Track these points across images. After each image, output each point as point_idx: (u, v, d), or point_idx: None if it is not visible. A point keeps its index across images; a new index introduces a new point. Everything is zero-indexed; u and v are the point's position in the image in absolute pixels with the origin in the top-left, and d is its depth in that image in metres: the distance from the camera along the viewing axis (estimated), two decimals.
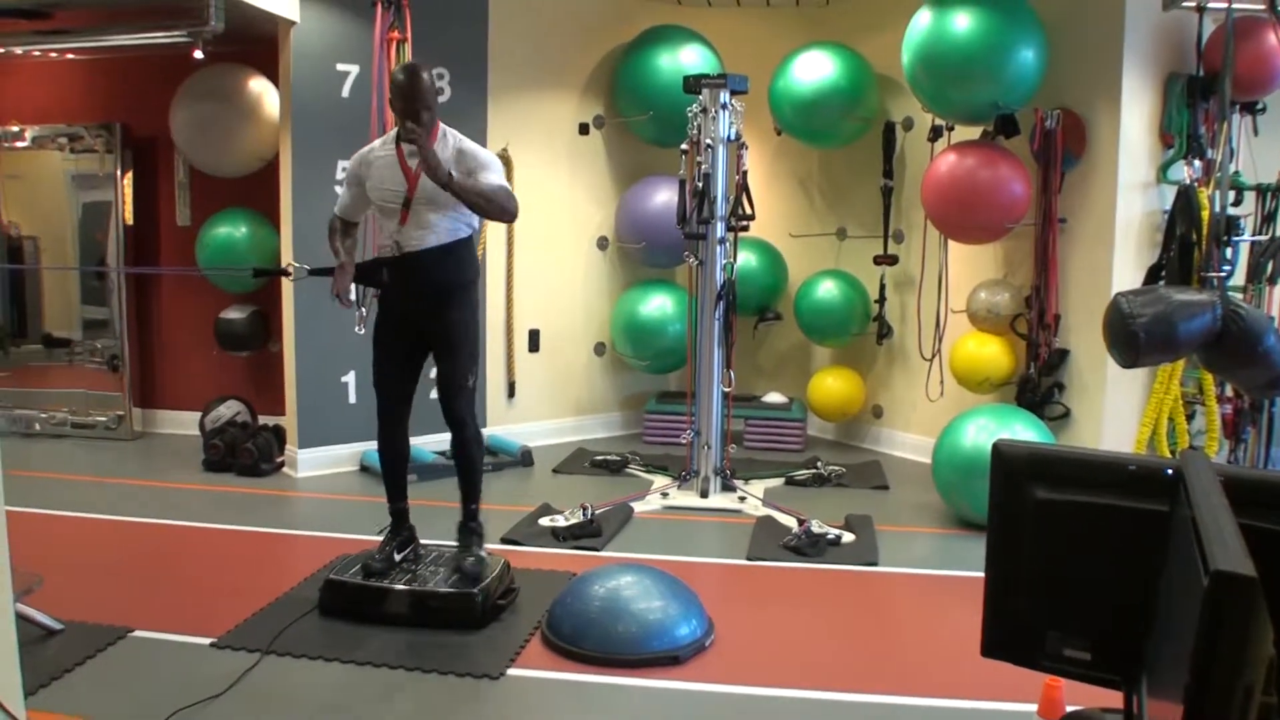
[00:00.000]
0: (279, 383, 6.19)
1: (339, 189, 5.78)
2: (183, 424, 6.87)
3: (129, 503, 5.35)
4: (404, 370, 4.06)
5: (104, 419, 6.86)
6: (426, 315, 3.95)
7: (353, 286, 4.09)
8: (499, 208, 3.82)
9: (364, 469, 6.04)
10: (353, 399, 6.01)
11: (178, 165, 6.78)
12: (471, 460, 4.07)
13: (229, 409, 6.50)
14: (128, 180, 6.76)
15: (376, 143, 4.06)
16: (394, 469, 4.12)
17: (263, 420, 6.49)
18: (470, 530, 4.08)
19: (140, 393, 6.98)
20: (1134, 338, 3.72)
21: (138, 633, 3.63)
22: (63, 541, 4.76)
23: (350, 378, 5.99)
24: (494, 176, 3.84)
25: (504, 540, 4.79)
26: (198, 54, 5.74)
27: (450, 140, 3.89)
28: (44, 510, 5.17)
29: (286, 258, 5.86)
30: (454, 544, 4.19)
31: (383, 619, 3.75)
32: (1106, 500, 1.93)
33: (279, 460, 6.09)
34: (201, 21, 5.50)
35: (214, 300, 6.68)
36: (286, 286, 5.88)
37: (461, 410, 3.98)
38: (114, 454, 6.48)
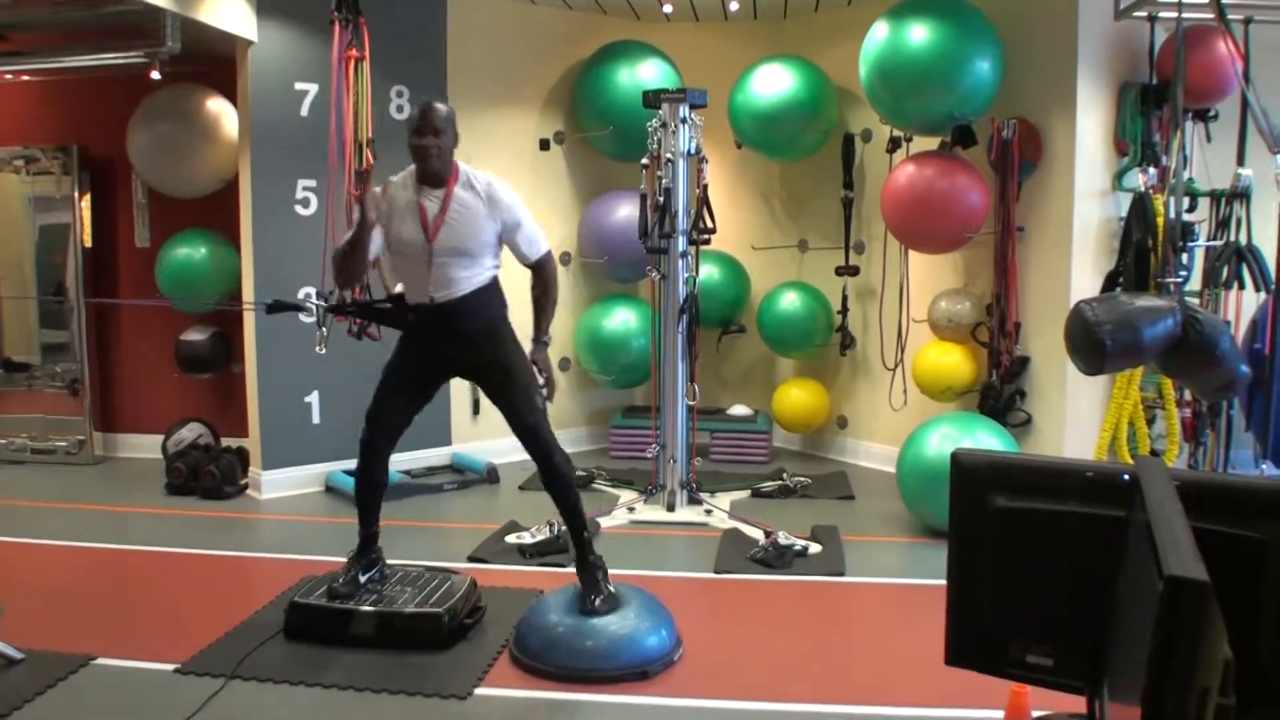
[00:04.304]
0: (241, 404, 6.14)
1: (299, 209, 5.81)
2: (144, 448, 6.79)
3: (90, 528, 5.28)
4: (410, 410, 3.93)
5: (64, 444, 6.76)
6: (472, 358, 3.84)
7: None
8: (556, 290, 3.88)
9: (329, 490, 5.99)
10: (316, 419, 5.97)
11: (136, 186, 6.72)
12: (570, 489, 3.85)
13: (191, 431, 6.44)
14: (86, 202, 6.69)
15: (396, 179, 3.77)
16: (370, 497, 3.99)
17: (225, 442, 6.43)
18: (592, 566, 3.81)
19: (101, 416, 6.90)
20: (1100, 345, 3.74)
21: (100, 660, 3.58)
22: (23, 569, 4.69)
23: (314, 398, 5.95)
24: (540, 242, 3.83)
25: (470, 559, 4.78)
26: (155, 74, 5.75)
27: (479, 185, 3.72)
28: (3, 537, 5.09)
29: (248, 278, 5.83)
30: (421, 563, 4.17)
31: (349, 641, 3.71)
32: (1065, 507, 1.94)
33: (242, 483, 6.04)
34: (158, 42, 5.50)
35: (175, 322, 6.60)
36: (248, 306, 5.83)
37: (545, 438, 3.79)
38: (75, 479, 6.39)
